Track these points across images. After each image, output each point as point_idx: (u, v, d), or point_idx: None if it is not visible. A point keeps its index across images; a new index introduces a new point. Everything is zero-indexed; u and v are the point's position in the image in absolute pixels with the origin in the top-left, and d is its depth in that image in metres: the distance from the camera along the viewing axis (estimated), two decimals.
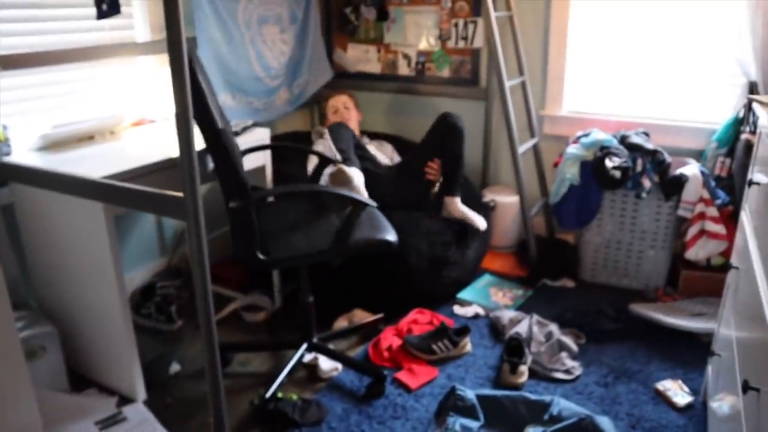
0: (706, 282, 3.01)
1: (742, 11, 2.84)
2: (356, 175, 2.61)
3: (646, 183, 2.83)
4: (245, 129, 2.77)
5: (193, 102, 1.51)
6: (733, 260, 2.03)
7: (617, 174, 2.80)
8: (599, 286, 3.20)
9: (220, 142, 2.05)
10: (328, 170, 2.78)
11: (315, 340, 2.46)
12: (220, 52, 3.06)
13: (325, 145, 3.06)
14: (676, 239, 3.08)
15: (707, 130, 3.15)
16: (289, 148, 3.33)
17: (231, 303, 2.96)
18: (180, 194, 1.53)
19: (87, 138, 2.52)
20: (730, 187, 3.00)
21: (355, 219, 2.18)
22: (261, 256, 2.09)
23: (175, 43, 1.38)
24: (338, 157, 2.78)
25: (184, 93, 1.41)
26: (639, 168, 2.85)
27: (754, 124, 2.95)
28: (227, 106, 3.17)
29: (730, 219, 2.94)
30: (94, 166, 2.12)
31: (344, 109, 3.34)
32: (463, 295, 3.01)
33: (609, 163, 2.81)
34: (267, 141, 2.79)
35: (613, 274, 3.18)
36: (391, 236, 2.28)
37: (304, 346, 2.43)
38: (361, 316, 2.79)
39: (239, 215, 2.06)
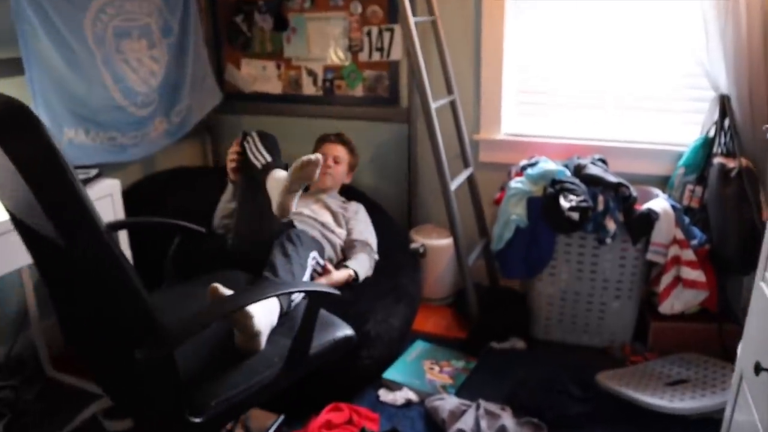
0: (680, 334, 2.53)
1: (708, 15, 2.35)
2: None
3: (611, 225, 2.28)
4: (86, 182, 2.05)
5: None
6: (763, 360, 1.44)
7: (575, 216, 2.24)
8: (555, 346, 2.64)
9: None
10: (276, 175, 2.06)
11: None
12: (60, 76, 2.33)
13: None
14: (644, 286, 2.55)
15: (672, 154, 2.65)
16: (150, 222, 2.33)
17: (90, 405, 2.25)
18: None
19: None
20: (703, 221, 2.49)
21: (316, 313, 1.53)
22: (194, 419, 1.37)
23: None
24: (267, 159, 2.14)
25: None
26: (600, 206, 2.30)
27: (728, 144, 2.45)
28: (78, 143, 2.44)
29: (707, 260, 2.43)
30: None
31: (333, 163, 2.71)
32: (390, 374, 2.38)
33: (565, 203, 2.24)
34: (116, 196, 2.08)
35: (570, 330, 2.63)
36: (347, 329, 1.69)
37: None
38: (261, 420, 2.12)
39: (149, 367, 1.30)
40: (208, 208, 2.72)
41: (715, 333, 2.49)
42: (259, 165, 2.13)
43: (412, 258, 2.72)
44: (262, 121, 3.26)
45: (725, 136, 2.45)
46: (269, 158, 2.14)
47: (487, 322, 2.65)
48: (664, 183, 2.66)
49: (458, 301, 2.91)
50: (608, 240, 2.30)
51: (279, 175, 2.03)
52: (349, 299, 2.24)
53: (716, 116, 2.46)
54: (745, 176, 2.35)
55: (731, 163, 2.39)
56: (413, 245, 2.79)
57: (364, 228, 2.60)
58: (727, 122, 2.45)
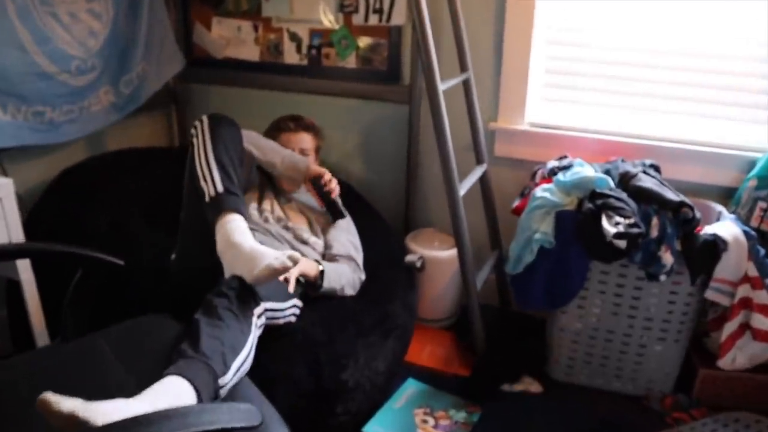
0: (736, 386, 2.03)
1: None
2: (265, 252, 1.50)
3: (667, 258, 1.75)
4: None
5: None
6: None
7: (622, 244, 1.71)
8: (579, 391, 2.15)
9: None
10: (230, 233, 1.57)
11: None
12: None
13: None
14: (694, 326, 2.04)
15: (740, 160, 2.10)
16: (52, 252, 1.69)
17: None
18: None
19: None
20: None
21: None
22: None
23: None
24: (217, 186, 1.63)
25: None
26: (655, 232, 1.76)
27: None
28: None
29: None
30: None
31: (298, 151, 2.15)
32: (373, 428, 1.88)
33: (609, 226, 1.70)
34: (8, 202, 1.55)
35: (599, 373, 2.12)
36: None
37: None
38: None
39: None
40: (158, 202, 2.20)
41: None
42: (205, 193, 1.61)
43: (406, 274, 2.20)
44: (234, 94, 2.72)
45: None
46: (219, 185, 1.61)
47: (496, 358, 2.15)
48: (727, 197, 2.12)
49: (460, 324, 2.40)
50: (662, 277, 1.77)
51: (235, 239, 1.51)
52: (322, 339, 1.72)
53: None
54: None
55: None
56: (409, 258, 2.26)
57: (347, 239, 2.07)
58: None
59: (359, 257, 2.06)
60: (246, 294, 1.45)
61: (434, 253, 2.36)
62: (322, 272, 1.85)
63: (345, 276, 1.95)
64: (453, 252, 2.28)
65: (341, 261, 2.00)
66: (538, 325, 2.28)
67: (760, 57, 2.07)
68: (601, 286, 1.97)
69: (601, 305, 2.00)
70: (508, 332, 2.28)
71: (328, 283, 1.86)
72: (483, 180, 2.28)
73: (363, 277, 2.04)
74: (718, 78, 2.13)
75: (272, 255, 1.47)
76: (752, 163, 2.05)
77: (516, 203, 2.12)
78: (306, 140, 2.18)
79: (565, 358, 2.14)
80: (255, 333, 1.40)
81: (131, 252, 1.69)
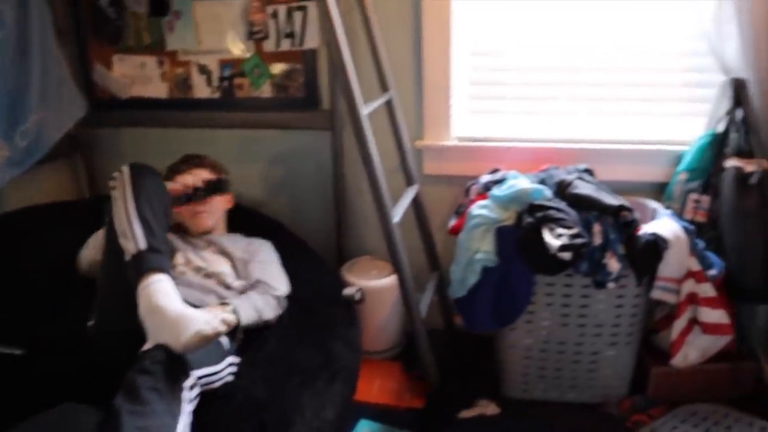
0: (688, 379, 2.02)
1: None
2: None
3: (613, 264, 1.71)
4: None
5: None
6: None
7: (567, 256, 1.65)
8: (536, 407, 2.08)
9: None
10: (155, 297, 1.42)
11: None
12: None
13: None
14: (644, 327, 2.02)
15: (670, 155, 2.11)
16: None
17: None
18: None
19: None
20: (715, 239, 1.96)
21: None
22: None
23: None
24: (139, 243, 1.49)
25: None
26: (598, 239, 1.71)
27: (742, 142, 1.92)
28: None
29: (722, 290, 1.90)
30: None
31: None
32: None
33: (552, 239, 1.65)
34: None
35: (554, 386, 2.07)
36: None
37: None
38: None
39: None
40: (69, 265, 2.01)
41: (728, 374, 1.99)
42: (125, 251, 1.47)
43: (345, 309, 2.08)
44: (145, 135, 2.55)
45: (739, 132, 1.92)
46: (142, 242, 1.47)
47: (448, 386, 2.06)
48: (659, 192, 2.12)
49: (408, 352, 2.31)
50: (610, 284, 1.73)
51: (159, 303, 1.37)
52: (264, 397, 1.58)
53: (727, 106, 1.92)
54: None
55: (749, 166, 1.86)
56: (346, 291, 2.13)
57: (262, 270, 1.92)
58: (740, 113, 1.91)
59: (276, 282, 1.92)
60: (174, 366, 1.30)
61: (373, 283, 2.25)
62: (234, 311, 1.67)
63: (255, 302, 1.78)
64: (392, 279, 2.19)
65: (247, 291, 1.86)
66: (488, 344, 2.21)
67: (678, 52, 2.09)
68: (548, 299, 1.91)
69: (550, 317, 1.94)
70: (458, 356, 2.20)
71: (246, 318, 1.69)
72: (416, 201, 2.19)
73: (279, 293, 1.87)
74: (639, 75, 2.14)
75: (202, 319, 1.33)
76: (680, 157, 2.05)
77: (452, 222, 2.04)
78: (205, 177, 2.04)
79: (518, 375, 2.07)
80: (188, 410, 1.25)
81: (35, 333, 1.52)
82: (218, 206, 2.06)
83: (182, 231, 2.02)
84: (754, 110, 1.88)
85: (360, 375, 2.00)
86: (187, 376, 1.31)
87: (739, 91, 1.88)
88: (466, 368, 2.14)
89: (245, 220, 2.25)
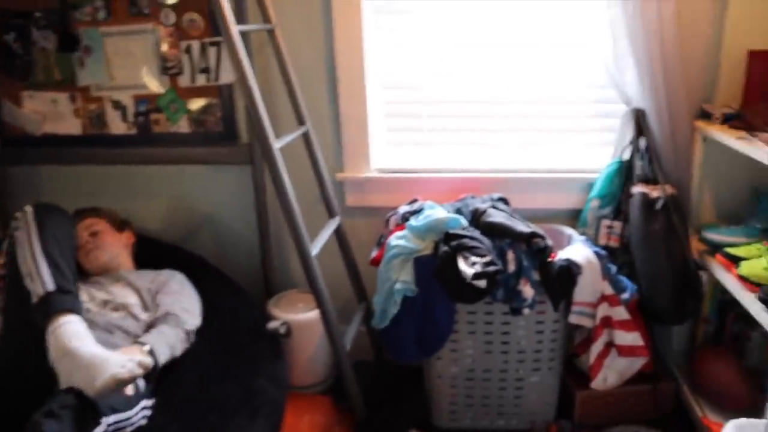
0: (612, 402, 2.05)
1: (614, 13, 1.88)
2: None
3: (527, 291, 1.74)
4: None
5: None
6: None
7: (482, 284, 1.67)
8: None
9: None
10: (64, 340, 1.35)
11: None
12: None
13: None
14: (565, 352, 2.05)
15: (581, 182, 2.17)
16: None
17: None
18: None
19: None
20: (628, 264, 2.02)
21: None
22: None
23: None
24: (47, 285, 1.45)
25: None
26: (512, 266, 1.74)
27: (646, 168, 2.00)
28: None
29: (637, 312, 1.96)
30: None
31: (89, 236, 1.96)
32: None
33: (467, 268, 1.66)
34: None
35: (482, 414, 2.08)
36: None
37: None
38: None
39: None
40: None
41: (649, 395, 2.04)
42: (32, 293, 1.41)
43: (270, 343, 2.04)
44: (60, 173, 2.47)
45: (643, 159, 1.99)
46: (50, 283, 1.41)
47: (377, 418, 2.04)
48: (575, 218, 2.17)
49: (338, 386, 2.26)
50: (525, 310, 1.75)
51: (71, 345, 1.32)
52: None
53: (631, 135, 2.00)
54: (672, 206, 1.90)
55: (654, 192, 1.93)
56: (271, 325, 2.10)
57: (172, 301, 1.87)
58: (643, 142, 1.99)
59: (181, 311, 1.86)
60: (83, 411, 1.24)
61: (299, 316, 2.22)
62: (150, 351, 1.62)
63: (169, 338, 1.74)
64: (317, 313, 2.16)
65: (158, 323, 1.81)
66: (417, 374, 2.21)
67: (586, 84, 2.16)
68: (470, 327, 1.92)
69: (474, 346, 1.95)
70: (387, 387, 2.18)
71: (162, 359, 1.65)
72: (338, 232, 2.18)
73: (189, 327, 1.83)
74: (552, 107, 2.21)
75: (118, 362, 1.28)
76: (592, 185, 2.11)
77: (374, 254, 2.04)
78: (89, 223, 2.01)
79: (446, 404, 2.07)
80: None
81: None
82: (112, 243, 2.02)
83: (81, 271, 1.95)
84: (655, 138, 1.97)
85: (288, 410, 1.96)
86: (97, 423, 1.25)
87: (640, 120, 1.97)
88: (396, 399, 2.12)
89: (166, 257, 2.19)
